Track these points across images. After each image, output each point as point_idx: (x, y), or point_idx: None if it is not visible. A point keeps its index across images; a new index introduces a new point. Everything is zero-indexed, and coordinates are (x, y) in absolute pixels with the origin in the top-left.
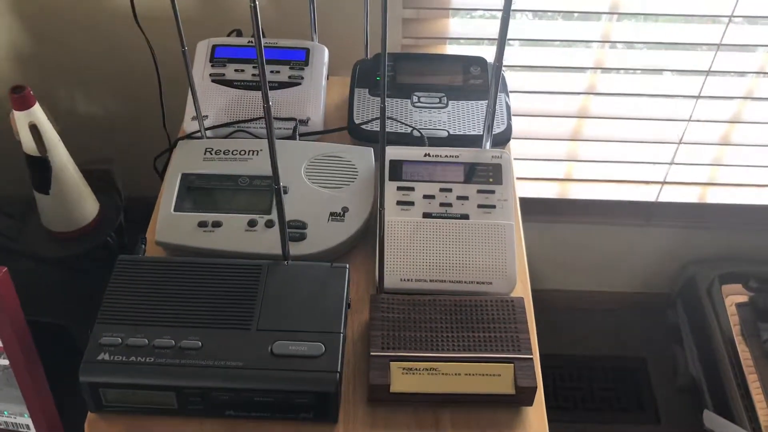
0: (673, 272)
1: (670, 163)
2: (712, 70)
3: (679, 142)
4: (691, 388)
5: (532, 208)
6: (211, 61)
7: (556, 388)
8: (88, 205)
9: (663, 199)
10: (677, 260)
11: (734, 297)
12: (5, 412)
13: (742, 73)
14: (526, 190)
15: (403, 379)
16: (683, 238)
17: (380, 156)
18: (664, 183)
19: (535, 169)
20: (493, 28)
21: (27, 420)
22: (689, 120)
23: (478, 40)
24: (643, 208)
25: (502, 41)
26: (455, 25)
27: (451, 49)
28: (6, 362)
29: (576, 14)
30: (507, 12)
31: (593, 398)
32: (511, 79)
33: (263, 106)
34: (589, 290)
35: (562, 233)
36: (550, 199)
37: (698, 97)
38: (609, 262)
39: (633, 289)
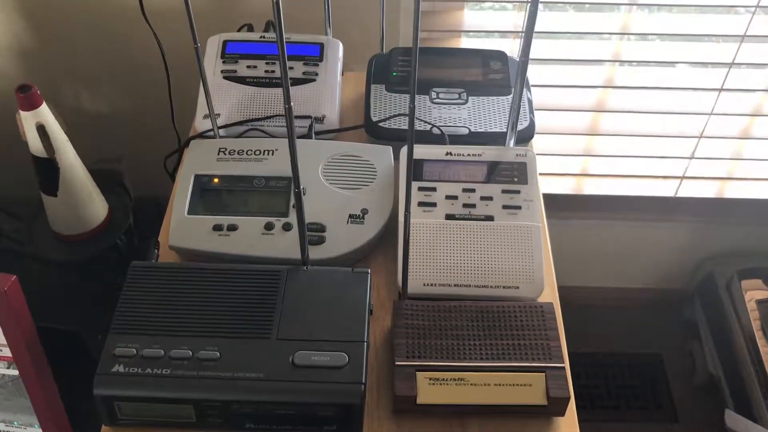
0: (691, 268)
1: (690, 158)
2: (735, 62)
3: (700, 136)
4: (709, 385)
5: (547, 203)
6: (222, 57)
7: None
8: (97, 207)
9: (682, 194)
10: (695, 256)
11: (754, 293)
12: (15, 423)
13: (765, 66)
14: (541, 185)
15: (430, 390)
16: (702, 234)
17: (408, 156)
18: (683, 178)
19: (552, 164)
20: (506, 20)
21: (37, 431)
22: (711, 113)
23: (489, 33)
24: (662, 204)
25: (529, 34)
26: (469, 18)
27: (463, 43)
28: (15, 372)
29: (587, 5)
30: (535, 4)
31: (609, 396)
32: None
33: (284, 107)
34: (605, 286)
35: (579, 229)
36: (566, 195)
37: (721, 90)
38: (626, 258)
39: (649, 285)
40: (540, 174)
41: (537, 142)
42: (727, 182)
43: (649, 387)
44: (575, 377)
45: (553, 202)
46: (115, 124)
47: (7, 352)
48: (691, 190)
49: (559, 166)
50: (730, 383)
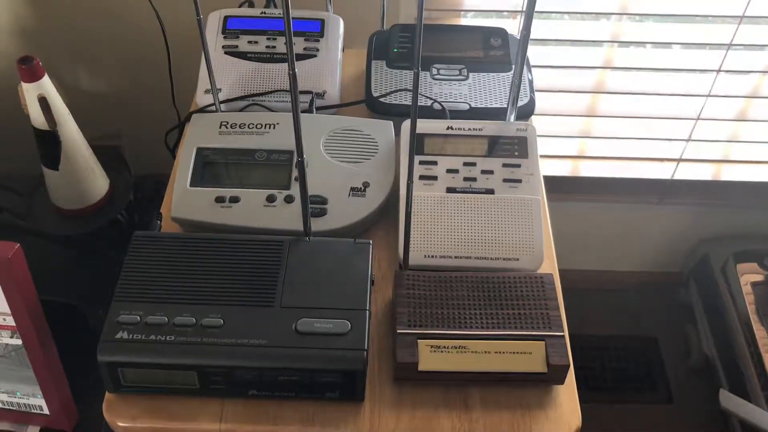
0: (686, 251)
1: (687, 140)
2: (733, 43)
3: (697, 118)
4: (704, 367)
5: (543, 185)
6: (223, 33)
7: None
8: (98, 182)
9: (679, 176)
10: (691, 239)
11: (749, 276)
12: (18, 393)
13: (763, 47)
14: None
15: (431, 358)
16: (698, 216)
17: (411, 129)
18: (680, 160)
19: (548, 145)
20: (506, 0)
21: (40, 401)
22: (708, 95)
23: (488, 12)
24: (658, 186)
25: (530, 9)
26: None
27: (463, 22)
28: (19, 342)
29: None
30: None
31: (605, 378)
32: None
33: (289, 74)
34: (600, 269)
35: (575, 211)
36: (563, 177)
37: (718, 71)
38: (622, 241)
39: (645, 268)
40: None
41: (534, 124)
42: (723, 165)
43: (645, 369)
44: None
45: (549, 183)
46: (113, 101)
47: (10, 321)
48: (687, 172)
49: (555, 148)
50: (725, 365)
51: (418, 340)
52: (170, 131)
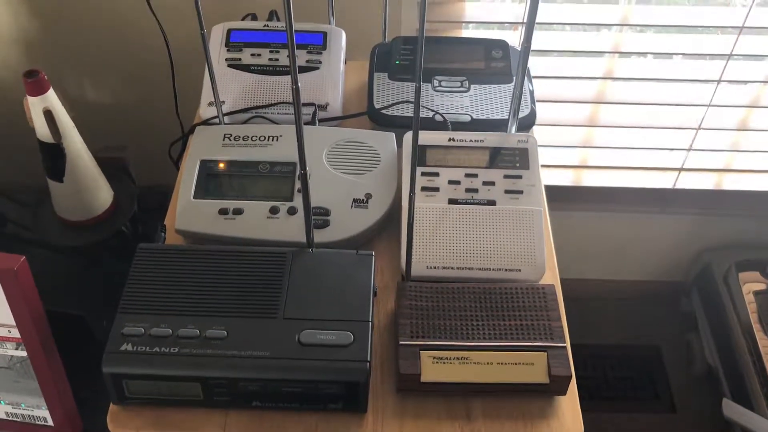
0: (689, 260)
1: (689, 149)
2: (734, 53)
3: (698, 128)
4: (707, 376)
5: (545, 195)
6: (226, 46)
7: None
8: (102, 194)
9: (680, 185)
10: (693, 248)
11: (751, 284)
12: (22, 405)
13: (762, 57)
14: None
15: (433, 369)
16: (699, 225)
17: (413, 140)
18: (681, 169)
19: (550, 155)
20: (507, 12)
21: (44, 412)
22: (709, 105)
23: (489, 24)
24: (660, 195)
25: (531, 20)
26: (470, 9)
27: (465, 34)
28: (23, 353)
29: None
30: None
31: (608, 387)
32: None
33: (292, 88)
34: (602, 279)
35: (576, 221)
36: (564, 186)
37: (719, 81)
38: (624, 251)
39: (647, 278)
40: None
41: (536, 134)
42: (724, 174)
43: (648, 378)
44: (574, 369)
45: (550, 193)
46: (119, 114)
47: (15, 333)
48: (689, 181)
49: (557, 157)
50: (727, 374)
51: (421, 351)
52: (174, 143)
